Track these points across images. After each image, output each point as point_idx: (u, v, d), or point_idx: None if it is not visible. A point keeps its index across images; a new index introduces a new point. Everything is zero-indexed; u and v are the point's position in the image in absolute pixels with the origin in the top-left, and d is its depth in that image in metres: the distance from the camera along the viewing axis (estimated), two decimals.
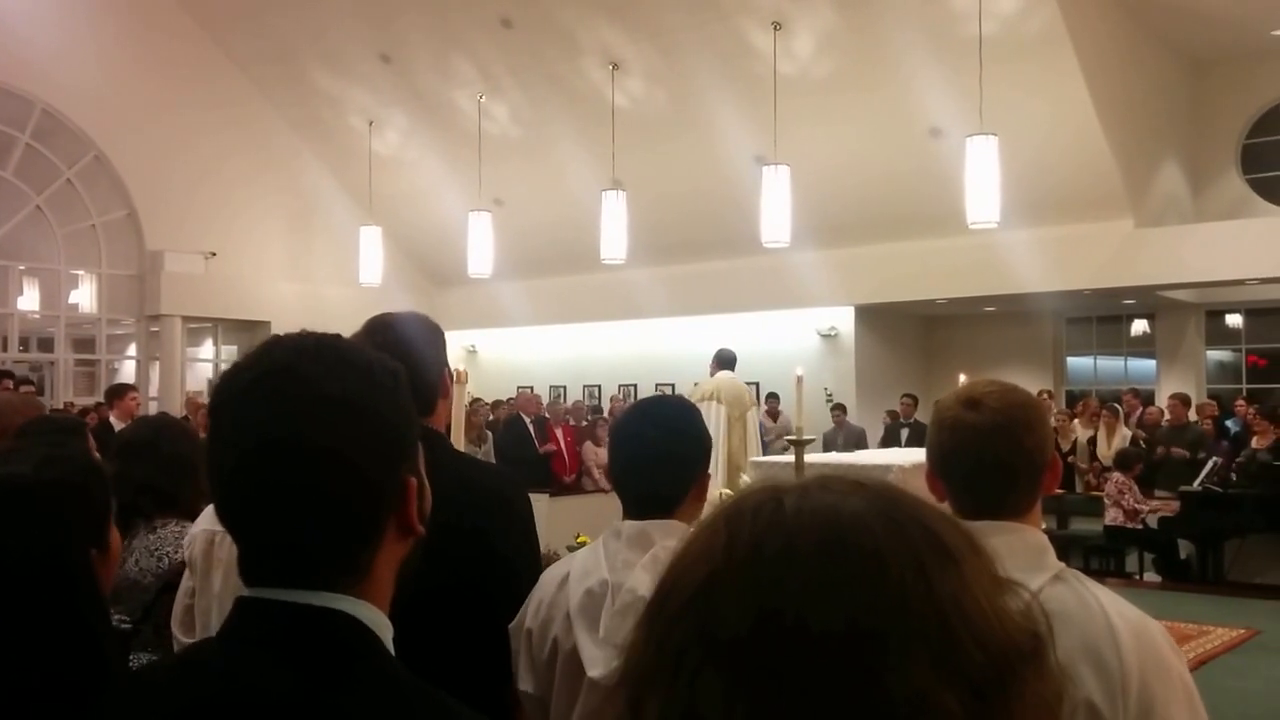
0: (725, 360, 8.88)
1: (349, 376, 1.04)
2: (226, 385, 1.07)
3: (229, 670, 1.00)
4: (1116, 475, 9.73)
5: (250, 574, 1.05)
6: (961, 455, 1.65)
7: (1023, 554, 1.60)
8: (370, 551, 1.04)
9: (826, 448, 11.95)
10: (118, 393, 8.97)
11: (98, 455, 3.16)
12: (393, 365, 1.10)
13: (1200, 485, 9.51)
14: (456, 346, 18.97)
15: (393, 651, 1.05)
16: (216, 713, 0.97)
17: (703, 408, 8.49)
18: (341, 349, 1.07)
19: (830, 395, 14.42)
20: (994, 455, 1.62)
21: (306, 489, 1.00)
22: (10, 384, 8.62)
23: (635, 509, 1.99)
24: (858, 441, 12.46)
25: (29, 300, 17.09)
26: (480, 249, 14.35)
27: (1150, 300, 14.47)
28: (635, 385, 15.48)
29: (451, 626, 1.98)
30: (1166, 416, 11.43)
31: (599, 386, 17.17)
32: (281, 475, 1.01)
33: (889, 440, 12.38)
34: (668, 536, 1.92)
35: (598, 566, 1.94)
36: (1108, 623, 1.50)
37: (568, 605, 1.93)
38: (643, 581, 1.84)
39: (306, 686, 0.97)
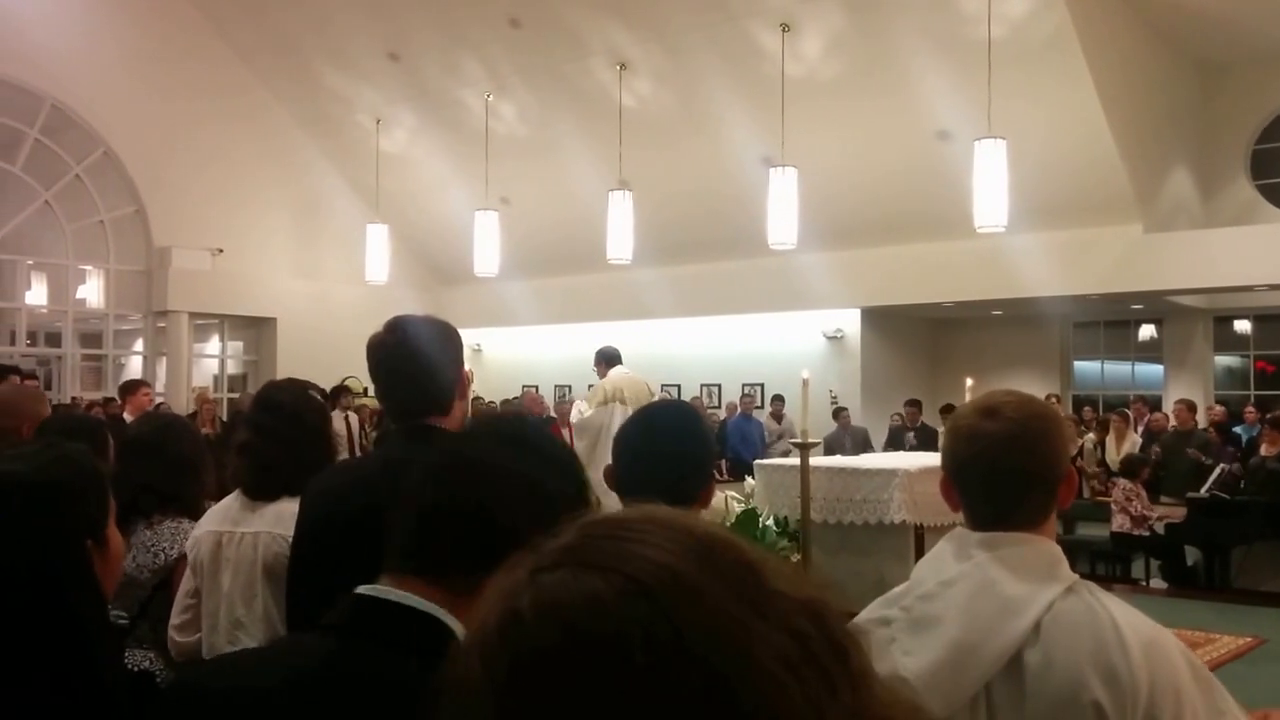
0: (611, 358, 8.58)
1: (548, 442, 1.33)
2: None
3: (339, 654, 1.17)
4: (1124, 482, 9.68)
5: (400, 561, 1.23)
6: (978, 464, 1.63)
7: (1035, 565, 1.59)
8: (482, 582, 1.15)
9: (830, 451, 11.93)
10: (130, 389, 8.95)
11: (111, 455, 3.17)
12: (536, 477, 1.29)
13: (1208, 492, 9.48)
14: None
15: None
16: (321, 688, 1.14)
17: (606, 411, 8.27)
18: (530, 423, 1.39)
19: (835, 398, 14.41)
20: (1010, 464, 1.61)
21: (492, 498, 1.21)
22: (17, 379, 8.61)
23: None
24: (863, 443, 12.42)
25: (37, 295, 17.13)
26: (486, 248, 14.36)
27: (1158, 305, 14.44)
28: None
29: None
30: (1172, 422, 11.40)
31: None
32: (460, 518, 1.21)
33: (893, 444, 12.36)
34: None
35: None
36: (1119, 636, 1.49)
37: None
38: None
39: (404, 674, 1.11)
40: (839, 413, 13.66)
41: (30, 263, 16.63)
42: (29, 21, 14.56)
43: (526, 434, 1.34)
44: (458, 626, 1.17)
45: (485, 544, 1.17)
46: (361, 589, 1.21)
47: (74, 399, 14.22)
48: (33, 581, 1.40)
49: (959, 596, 1.58)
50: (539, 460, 1.29)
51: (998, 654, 1.52)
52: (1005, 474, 1.62)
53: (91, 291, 16.77)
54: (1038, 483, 1.63)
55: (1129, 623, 1.52)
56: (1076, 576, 1.61)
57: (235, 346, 18.22)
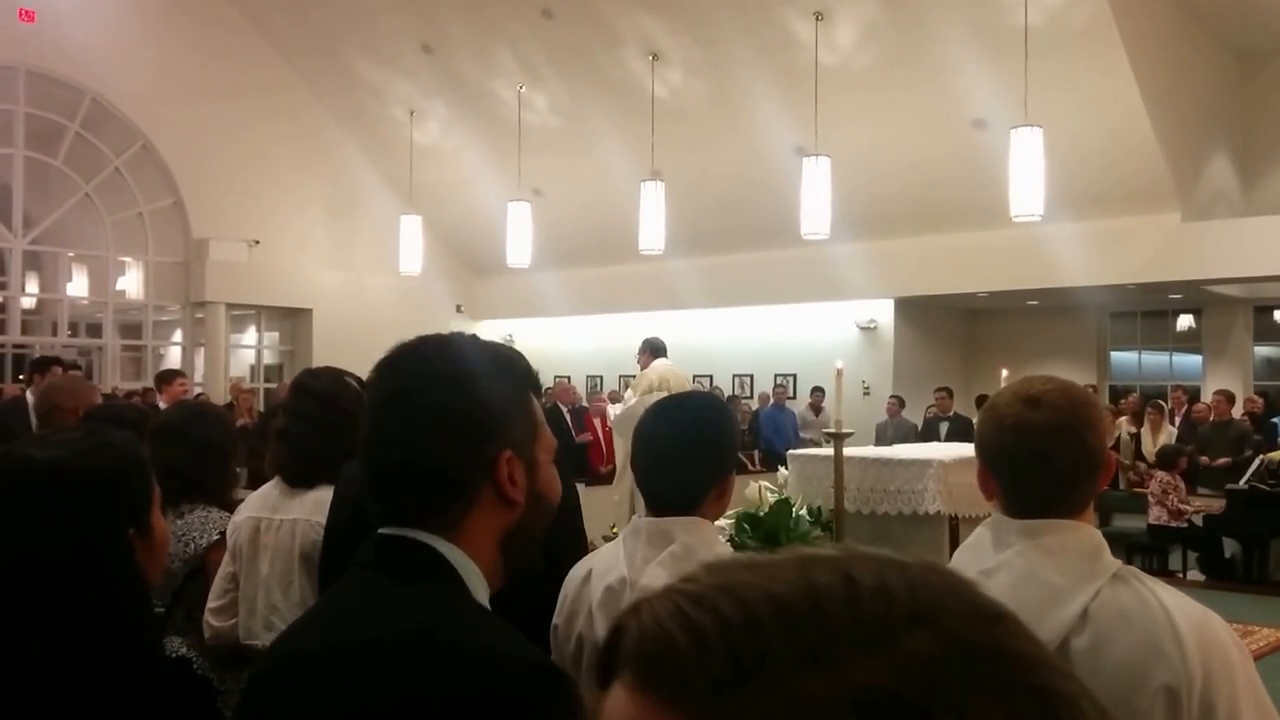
0: (657, 349, 8.53)
1: (459, 358, 1.30)
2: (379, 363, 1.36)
3: (356, 584, 1.29)
4: (1161, 474, 9.59)
5: (379, 517, 1.30)
6: (1024, 454, 1.62)
7: (1078, 552, 1.59)
8: (462, 507, 1.25)
9: (878, 440, 11.89)
10: (167, 378, 9.07)
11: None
12: (513, 362, 1.36)
13: (1247, 483, 9.38)
14: (495, 336, 19.04)
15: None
16: (341, 608, 1.28)
17: (648, 401, 8.20)
18: (469, 340, 1.35)
19: (868, 388, 14.34)
20: (1059, 455, 1.60)
21: (412, 441, 1.25)
22: (59, 370, 8.73)
23: (656, 507, 2.00)
24: (907, 436, 12.36)
25: (78, 286, 17.39)
26: (519, 239, 14.40)
27: (1197, 295, 14.25)
28: None
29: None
30: (1211, 414, 11.27)
31: (634, 376, 17.18)
32: (395, 440, 1.27)
33: (927, 434, 12.28)
34: (687, 534, 1.94)
35: (617, 563, 1.98)
36: (1170, 622, 1.49)
37: (590, 601, 1.97)
38: (658, 578, 1.85)
39: (395, 597, 1.22)
40: (891, 399, 13.57)
41: (71, 254, 16.88)
42: (69, 17, 14.75)
43: (430, 364, 1.32)
44: (461, 558, 1.25)
45: (421, 491, 1.26)
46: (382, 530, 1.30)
47: (114, 389, 14.42)
48: (73, 568, 1.41)
49: (1001, 586, 1.56)
50: (449, 380, 1.28)
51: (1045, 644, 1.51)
52: (1054, 464, 1.61)
53: (131, 283, 16.99)
54: (1085, 471, 1.63)
55: (1179, 609, 1.51)
56: (1120, 563, 1.60)
57: (271, 337, 18.39)
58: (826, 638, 0.48)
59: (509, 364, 1.34)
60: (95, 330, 17.21)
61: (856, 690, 0.46)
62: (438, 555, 1.24)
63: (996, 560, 1.61)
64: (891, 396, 13.68)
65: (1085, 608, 1.52)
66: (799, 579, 0.51)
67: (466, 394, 1.26)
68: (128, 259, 16.70)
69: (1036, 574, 1.56)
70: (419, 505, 1.26)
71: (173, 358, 17.24)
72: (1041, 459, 1.61)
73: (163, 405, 8.60)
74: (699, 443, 2.01)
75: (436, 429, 1.25)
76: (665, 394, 8.19)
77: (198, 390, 14.22)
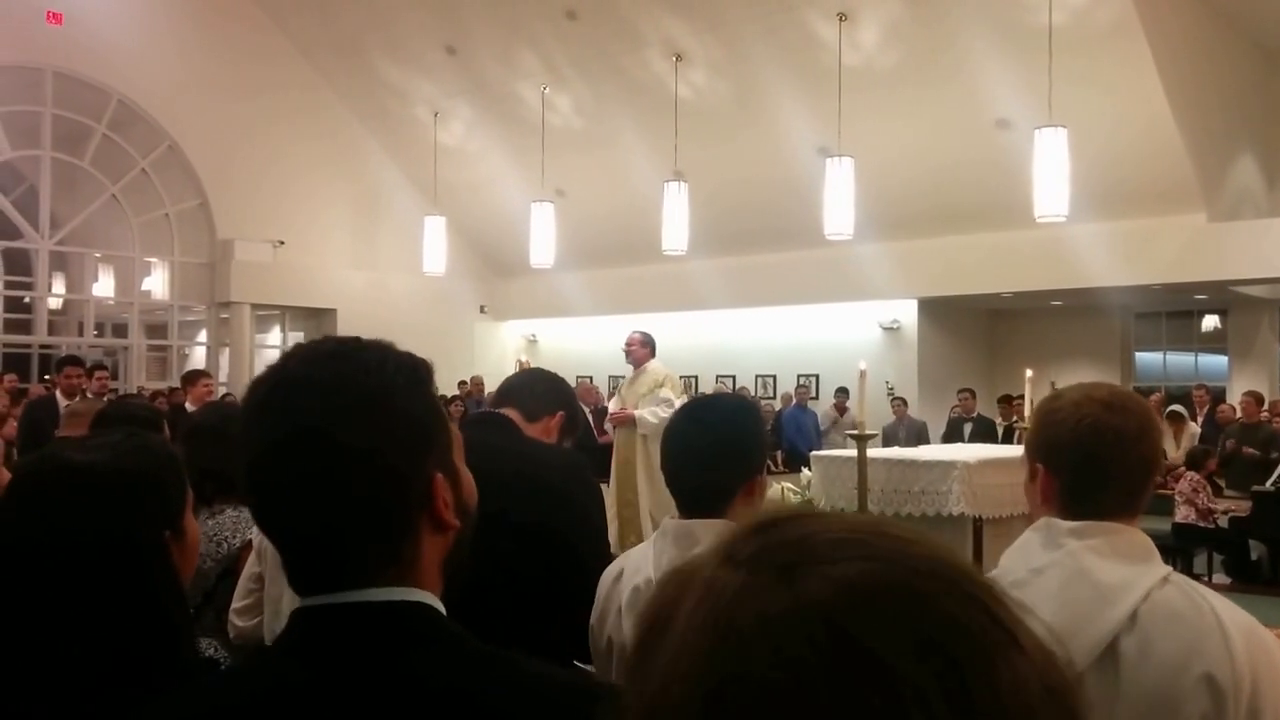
0: (653, 345, 8.44)
1: (363, 379, 1.06)
2: (246, 401, 1.10)
3: (312, 676, 1.01)
4: (1190, 474, 9.54)
5: (301, 584, 1.06)
6: (1106, 457, 1.62)
7: (1129, 553, 1.60)
8: (411, 545, 1.06)
9: (886, 442, 11.84)
10: (192, 379, 9.15)
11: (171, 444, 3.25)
12: (413, 362, 1.12)
13: (1273, 485, 9.30)
14: (518, 336, 19.11)
15: None
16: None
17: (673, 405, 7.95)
18: (355, 352, 1.10)
19: (892, 388, 14.31)
20: (1135, 456, 1.63)
21: (334, 492, 1.03)
22: (82, 369, 8.83)
23: (684, 508, 2.02)
24: (919, 435, 12.32)
25: (104, 287, 17.55)
26: (542, 239, 14.43)
27: (1222, 295, 14.14)
28: (695, 377, 15.48)
29: (514, 620, 2.02)
30: (1239, 414, 11.19)
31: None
32: (307, 482, 1.03)
33: (952, 435, 12.24)
34: (712, 536, 1.94)
35: (646, 563, 2.02)
36: (1219, 626, 1.49)
37: (620, 600, 2.01)
38: None
39: (380, 683, 0.99)
40: (896, 402, 13.56)
41: (98, 255, 17.05)
42: (97, 19, 14.90)
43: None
44: (430, 598, 1.06)
45: (372, 542, 1.05)
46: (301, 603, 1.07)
47: (140, 389, 14.54)
48: (112, 570, 1.43)
49: (1051, 584, 1.57)
50: (384, 385, 1.08)
51: (1093, 643, 1.52)
52: (1127, 466, 1.63)
53: (157, 283, 17.12)
54: (1151, 474, 1.67)
55: (1229, 614, 1.52)
56: (1170, 568, 1.61)
57: (295, 337, 18.48)
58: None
59: (411, 367, 1.11)
60: (121, 330, 17.36)
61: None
62: (430, 612, 1.05)
63: (1047, 559, 1.61)
64: (895, 398, 13.63)
65: (1135, 609, 1.52)
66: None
67: (389, 421, 1.05)
68: (153, 259, 16.84)
69: (1087, 574, 1.56)
70: (375, 558, 1.04)
71: (198, 358, 17.37)
72: (1116, 460, 1.62)
73: (189, 406, 8.68)
74: (726, 443, 2.03)
75: (372, 470, 1.03)
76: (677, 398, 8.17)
77: (223, 390, 14.32)
